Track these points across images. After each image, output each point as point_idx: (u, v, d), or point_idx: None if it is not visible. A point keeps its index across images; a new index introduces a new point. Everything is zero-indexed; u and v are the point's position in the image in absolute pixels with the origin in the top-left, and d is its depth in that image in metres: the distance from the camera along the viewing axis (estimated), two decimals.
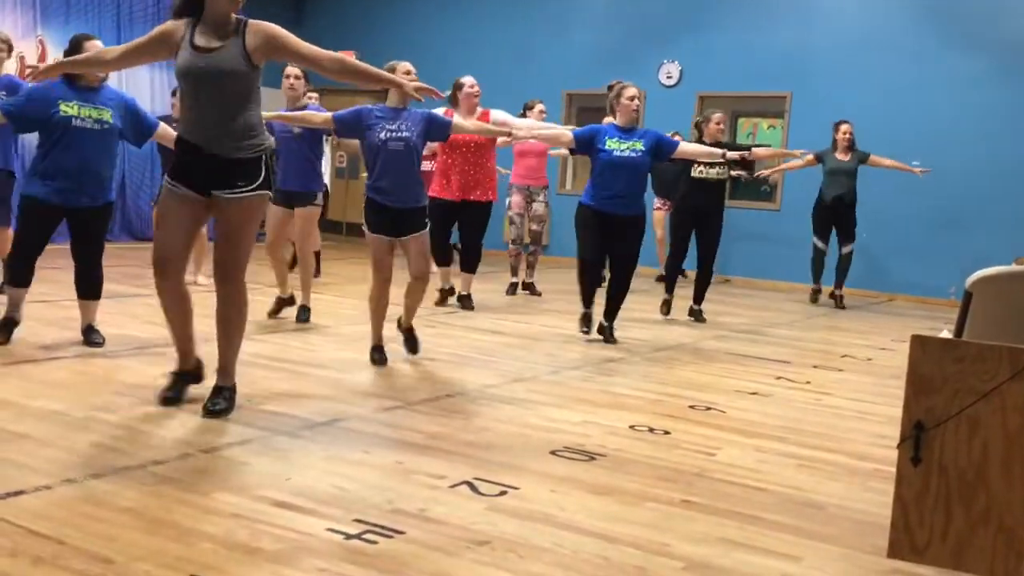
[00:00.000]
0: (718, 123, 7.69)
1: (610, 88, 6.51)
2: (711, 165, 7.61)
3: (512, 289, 8.87)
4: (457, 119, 7.37)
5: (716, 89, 11.61)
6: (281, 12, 13.35)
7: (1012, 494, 2.82)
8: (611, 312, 6.59)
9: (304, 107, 6.46)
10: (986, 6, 10.30)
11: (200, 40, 3.91)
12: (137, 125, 5.38)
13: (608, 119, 6.51)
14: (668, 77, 11.99)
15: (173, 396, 4.19)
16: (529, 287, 8.99)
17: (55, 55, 11.24)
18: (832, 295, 9.61)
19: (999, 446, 2.82)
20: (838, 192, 9.30)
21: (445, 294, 7.92)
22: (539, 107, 8.73)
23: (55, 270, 7.69)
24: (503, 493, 3.31)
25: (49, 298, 6.69)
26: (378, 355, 5.40)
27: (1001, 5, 10.23)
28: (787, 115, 11.31)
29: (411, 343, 5.62)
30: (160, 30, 4.01)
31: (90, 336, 5.39)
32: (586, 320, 6.56)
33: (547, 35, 12.54)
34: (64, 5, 11.38)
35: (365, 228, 5.32)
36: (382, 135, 5.21)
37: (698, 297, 7.98)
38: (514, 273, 8.93)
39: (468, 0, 13.22)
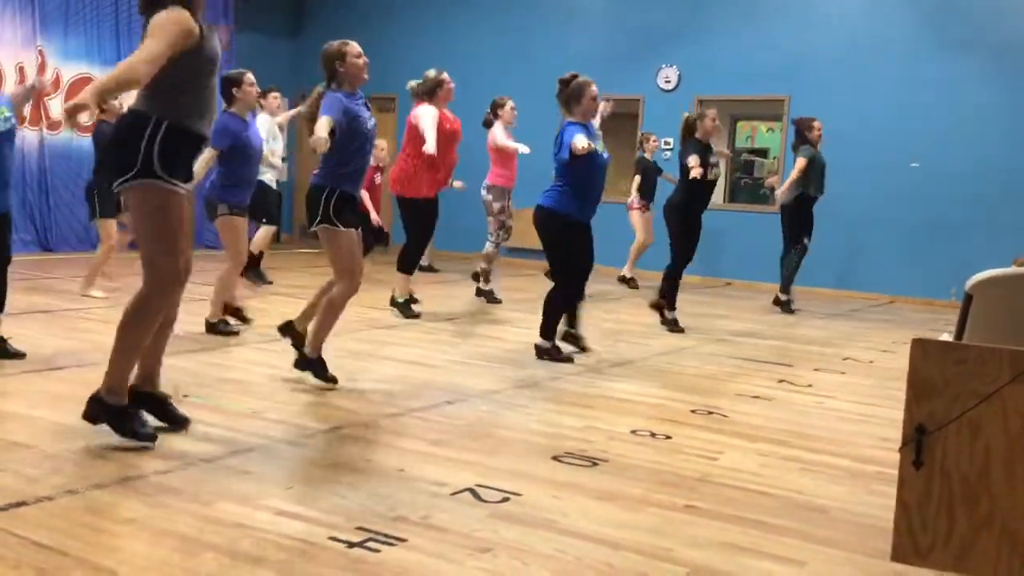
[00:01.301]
0: (714, 119, 7.37)
1: (565, 83, 5.91)
2: (716, 164, 7.50)
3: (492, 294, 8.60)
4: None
5: (714, 93, 11.61)
6: (281, 20, 13.38)
7: (1015, 497, 2.81)
8: (576, 319, 6.35)
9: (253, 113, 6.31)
10: (984, 9, 10.31)
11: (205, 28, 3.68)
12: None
13: (573, 117, 5.88)
14: (667, 81, 12.00)
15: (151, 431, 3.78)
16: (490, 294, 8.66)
17: (54, 65, 11.28)
18: (782, 300, 9.23)
19: (1001, 449, 2.82)
20: (823, 188, 9.02)
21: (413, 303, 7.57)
22: (509, 104, 8.46)
23: (56, 280, 7.71)
24: (505, 500, 3.31)
25: (50, 308, 6.70)
26: (326, 371, 4.94)
27: (999, 8, 10.24)
28: (785, 118, 11.31)
29: (323, 369, 4.95)
30: (190, 22, 3.57)
31: (7, 349, 5.13)
32: (559, 350, 6.02)
33: (546, 40, 12.55)
34: (63, 16, 11.40)
35: (335, 226, 4.79)
36: (369, 123, 4.94)
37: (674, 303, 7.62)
38: (489, 277, 8.62)
39: (467, 6, 13.23)
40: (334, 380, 4.91)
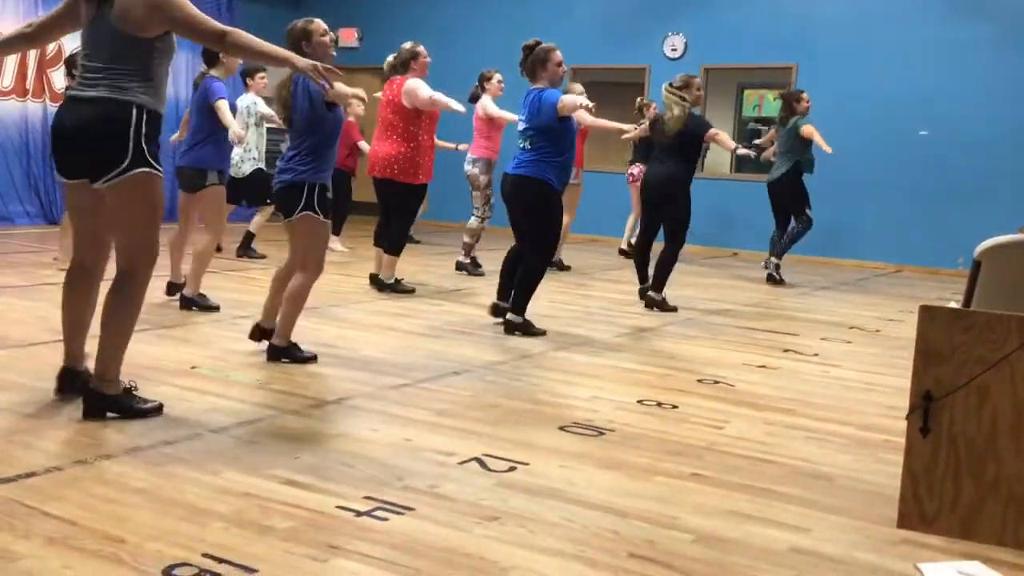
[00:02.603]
0: (699, 89, 7.05)
1: (529, 49, 5.77)
2: None
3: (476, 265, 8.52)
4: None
5: (721, 61, 11.53)
6: None
7: (1022, 463, 2.82)
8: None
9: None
10: None
11: None
12: None
13: (539, 84, 5.75)
14: (673, 50, 11.91)
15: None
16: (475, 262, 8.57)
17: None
18: (772, 267, 9.07)
19: (1008, 415, 2.82)
20: (813, 164, 8.86)
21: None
22: (496, 77, 8.33)
23: (56, 250, 7.71)
24: (512, 469, 3.32)
25: (55, 280, 6.70)
26: (301, 352, 4.85)
27: None
28: (793, 86, 11.22)
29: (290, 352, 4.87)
30: None
31: None
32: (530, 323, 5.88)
33: (551, 10, 12.45)
34: None
35: (319, 215, 4.70)
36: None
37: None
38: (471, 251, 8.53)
39: None
40: (314, 358, 4.83)
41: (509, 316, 5.86)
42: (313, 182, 4.69)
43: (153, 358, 4.65)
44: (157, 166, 3.64)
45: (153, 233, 3.71)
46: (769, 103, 13.41)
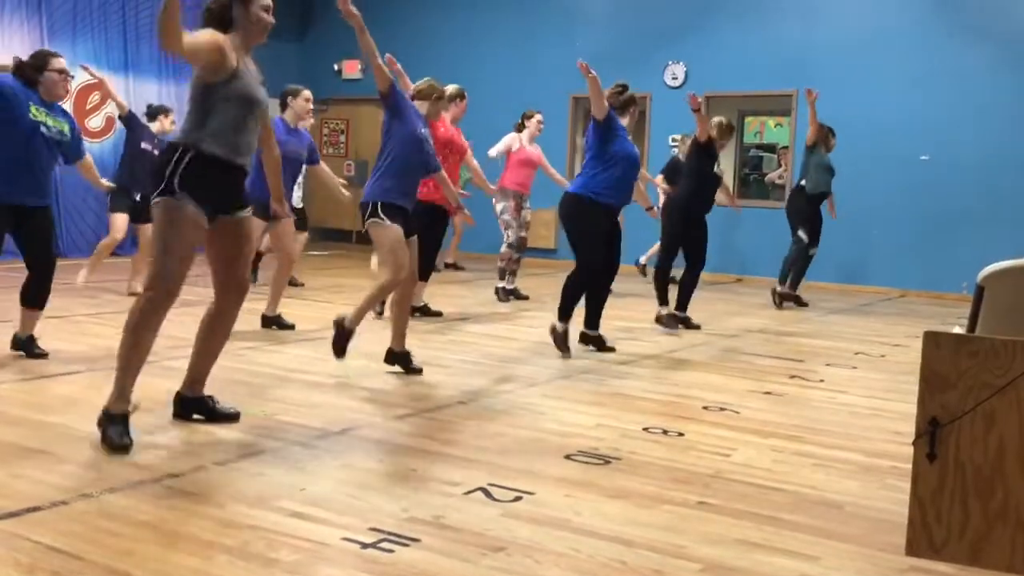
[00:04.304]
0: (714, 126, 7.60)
1: (623, 88, 6.26)
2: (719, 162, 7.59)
3: (514, 294, 8.82)
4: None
5: (722, 89, 11.59)
6: (288, 24, 13.40)
7: None
8: (597, 318, 6.37)
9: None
10: None
11: (248, 65, 3.96)
12: (76, 147, 5.48)
13: (623, 122, 6.25)
14: (673, 78, 11.98)
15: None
16: (515, 292, 8.88)
17: None
18: (793, 296, 9.20)
19: (1015, 441, 2.80)
20: (828, 188, 9.05)
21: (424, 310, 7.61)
22: (537, 117, 8.80)
23: (68, 284, 7.74)
24: (518, 499, 3.31)
25: (63, 313, 6.72)
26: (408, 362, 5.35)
27: None
28: (794, 113, 11.29)
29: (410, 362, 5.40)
30: (221, 41, 3.78)
31: (33, 348, 5.29)
32: (566, 337, 6.11)
33: (551, 38, 12.54)
34: (71, 22, 11.44)
35: (383, 220, 5.11)
36: (421, 127, 5.21)
37: (687, 302, 7.55)
38: (509, 276, 8.80)
39: (472, 5, 13.24)
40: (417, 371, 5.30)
41: (582, 330, 6.37)
42: (377, 201, 5.12)
43: (160, 391, 4.64)
44: (183, 198, 3.78)
45: (161, 259, 3.81)
46: (770, 130, 13.47)
